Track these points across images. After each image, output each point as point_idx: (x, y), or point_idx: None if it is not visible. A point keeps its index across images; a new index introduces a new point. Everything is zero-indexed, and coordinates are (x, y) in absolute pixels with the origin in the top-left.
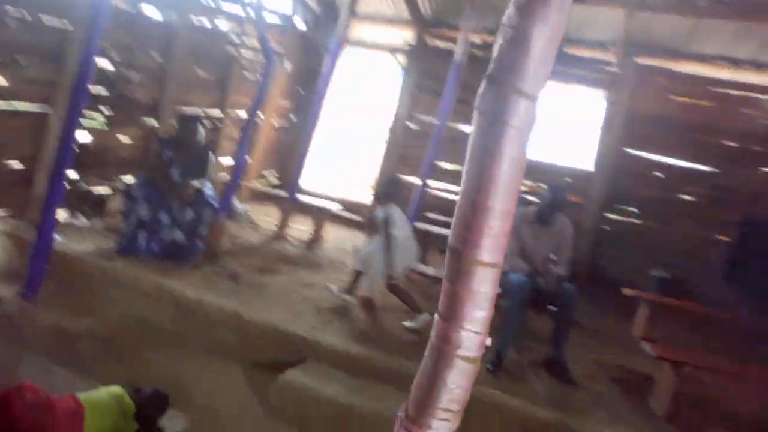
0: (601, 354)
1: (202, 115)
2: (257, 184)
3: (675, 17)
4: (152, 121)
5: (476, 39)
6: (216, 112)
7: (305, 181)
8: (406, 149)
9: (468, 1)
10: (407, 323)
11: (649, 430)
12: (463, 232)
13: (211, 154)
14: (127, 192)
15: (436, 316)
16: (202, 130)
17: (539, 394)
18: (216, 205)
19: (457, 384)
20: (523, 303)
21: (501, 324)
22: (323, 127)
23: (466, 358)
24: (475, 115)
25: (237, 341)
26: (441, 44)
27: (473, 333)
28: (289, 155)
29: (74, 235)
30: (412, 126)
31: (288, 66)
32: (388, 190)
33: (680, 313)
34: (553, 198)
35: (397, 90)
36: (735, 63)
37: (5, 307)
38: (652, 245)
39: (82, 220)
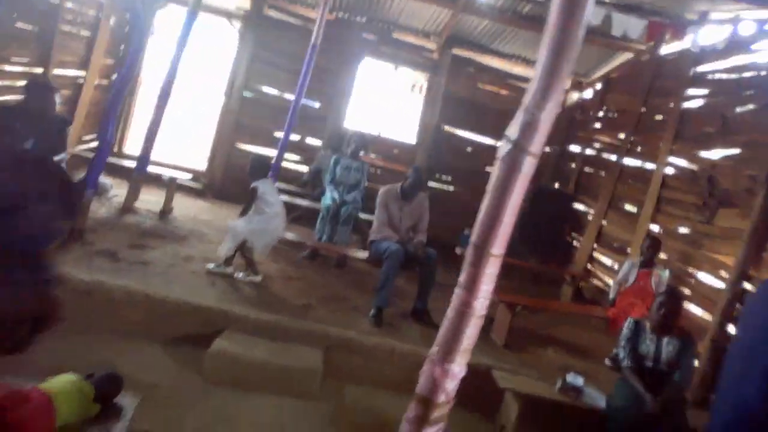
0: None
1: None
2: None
3: (486, 21)
4: None
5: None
6: (39, 71)
7: (136, 148)
8: (242, 118)
9: None
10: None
11: (495, 354)
12: (483, 234)
13: (67, 125)
14: None
15: (458, 288)
16: (56, 99)
17: (415, 337)
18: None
19: (472, 334)
20: (396, 264)
21: (380, 284)
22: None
23: (479, 317)
24: (499, 162)
25: (147, 320)
26: (277, 15)
27: (484, 300)
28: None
29: None
30: (248, 95)
31: (111, 21)
32: (259, 165)
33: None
34: (415, 178)
35: (232, 58)
36: (527, 62)
37: None
38: (463, 208)
39: None
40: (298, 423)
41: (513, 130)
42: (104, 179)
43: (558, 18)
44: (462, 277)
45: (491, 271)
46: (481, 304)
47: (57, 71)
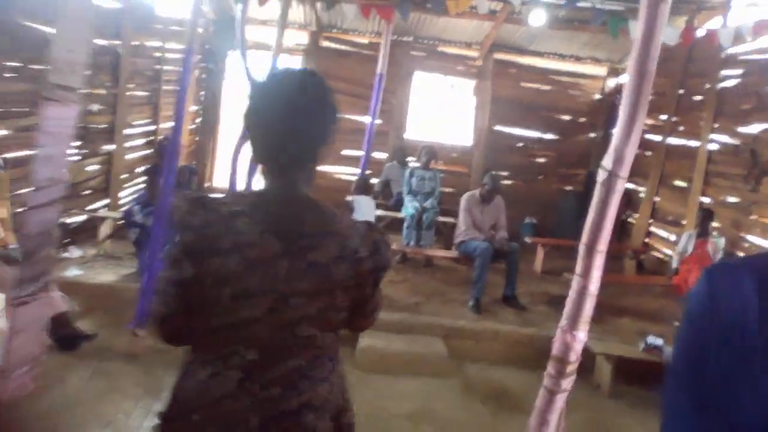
0: (526, 287)
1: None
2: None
3: (522, 26)
4: (111, 147)
5: (365, 40)
6: (152, 128)
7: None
8: None
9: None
10: None
11: None
12: (591, 236)
13: (195, 174)
14: (129, 219)
15: (576, 275)
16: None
17: (510, 319)
18: None
19: (589, 309)
20: (487, 261)
21: (475, 278)
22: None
23: (592, 296)
24: (599, 186)
25: None
26: (332, 45)
27: (594, 285)
28: (203, 155)
29: (81, 266)
30: None
31: (196, 73)
32: (359, 184)
33: (556, 248)
34: (492, 184)
35: None
36: (562, 57)
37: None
38: (522, 199)
39: (75, 252)
40: (438, 395)
41: (607, 161)
42: None
43: (634, 78)
44: (578, 269)
45: (600, 262)
46: (594, 286)
47: (163, 125)
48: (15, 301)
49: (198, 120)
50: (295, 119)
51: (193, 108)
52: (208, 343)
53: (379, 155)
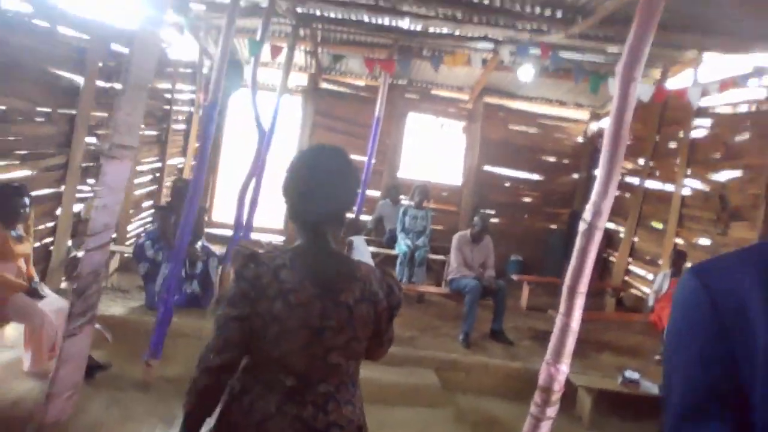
0: (513, 322)
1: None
2: None
3: (511, 73)
4: None
5: (362, 82)
6: (158, 165)
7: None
8: None
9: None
10: None
11: None
12: (573, 280)
13: (205, 212)
14: (140, 254)
15: (559, 315)
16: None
17: (499, 353)
18: (219, 256)
19: (571, 344)
20: (477, 297)
21: (465, 314)
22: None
23: (573, 332)
24: (580, 236)
25: None
26: (330, 87)
27: (576, 323)
28: (204, 191)
29: None
30: None
31: (200, 113)
32: (352, 225)
33: (541, 285)
34: (482, 224)
35: (298, 126)
36: (549, 101)
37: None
38: (508, 237)
39: None
40: (432, 423)
41: (587, 215)
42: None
43: (609, 145)
44: (561, 308)
45: (580, 302)
46: (576, 324)
47: (170, 162)
48: (66, 333)
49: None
50: (327, 188)
51: (195, 145)
52: (254, 372)
53: (373, 193)
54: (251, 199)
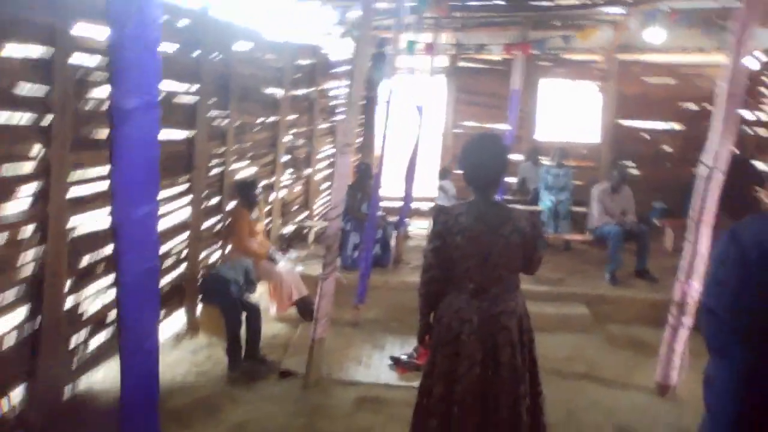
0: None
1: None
2: None
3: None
4: (309, 171)
5: (497, 57)
6: (332, 152)
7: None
8: (457, 150)
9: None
10: None
11: None
12: (699, 212)
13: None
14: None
15: (686, 241)
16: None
17: (643, 288)
18: (394, 223)
19: (699, 265)
20: (620, 240)
21: (610, 255)
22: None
23: (701, 254)
24: (702, 177)
25: None
26: (467, 64)
27: (704, 242)
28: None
29: (301, 264)
30: (458, 131)
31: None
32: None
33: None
34: (620, 176)
35: (444, 103)
36: (684, 49)
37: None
38: (650, 186)
39: (293, 254)
40: (586, 344)
41: (707, 159)
42: (407, 220)
43: (725, 104)
44: (689, 237)
45: (705, 231)
46: (704, 248)
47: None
48: (321, 276)
49: (359, 140)
50: (491, 161)
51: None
52: (451, 282)
53: (516, 157)
54: (409, 173)
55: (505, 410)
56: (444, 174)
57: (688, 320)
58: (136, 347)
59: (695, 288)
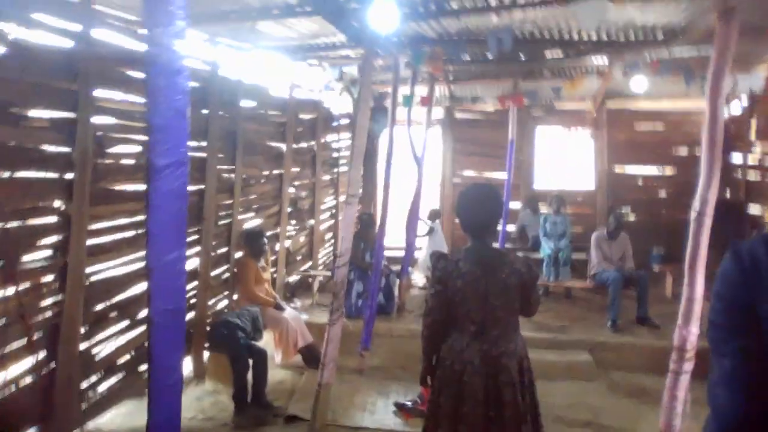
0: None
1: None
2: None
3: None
4: (312, 222)
5: (491, 108)
6: (333, 203)
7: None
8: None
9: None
10: None
11: None
12: (692, 258)
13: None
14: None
15: (684, 294)
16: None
17: (645, 335)
18: (396, 272)
19: (696, 310)
20: (619, 287)
21: (611, 302)
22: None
23: (697, 300)
24: (692, 221)
25: None
26: (463, 115)
27: (698, 286)
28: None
29: (305, 312)
30: (456, 181)
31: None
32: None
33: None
34: (615, 222)
35: (440, 154)
36: (671, 96)
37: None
38: (647, 232)
39: (297, 302)
40: (589, 392)
41: (696, 204)
42: (410, 269)
43: (708, 143)
44: (685, 281)
45: (700, 276)
46: (698, 293)
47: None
48: (330, 321)
49: (360, 191)
50: (484, 208)
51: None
52: (452, 325)
53: (514, 205)
54: (410, 222)
55: None
56: (433, 215)
57: (688, 366)
58: (162, 383)
59: (693, 333)
